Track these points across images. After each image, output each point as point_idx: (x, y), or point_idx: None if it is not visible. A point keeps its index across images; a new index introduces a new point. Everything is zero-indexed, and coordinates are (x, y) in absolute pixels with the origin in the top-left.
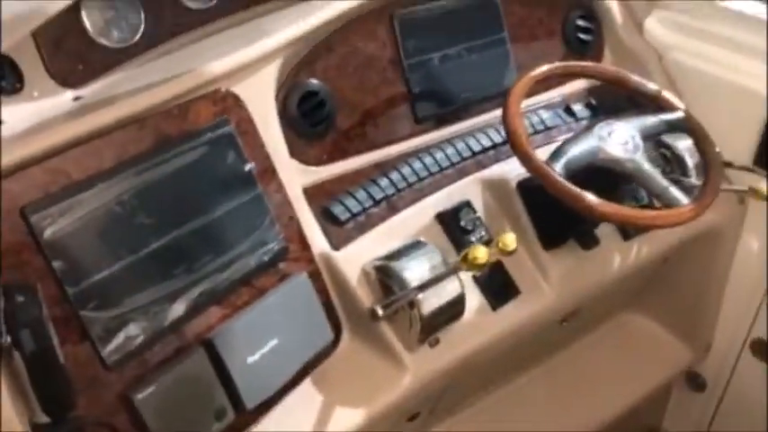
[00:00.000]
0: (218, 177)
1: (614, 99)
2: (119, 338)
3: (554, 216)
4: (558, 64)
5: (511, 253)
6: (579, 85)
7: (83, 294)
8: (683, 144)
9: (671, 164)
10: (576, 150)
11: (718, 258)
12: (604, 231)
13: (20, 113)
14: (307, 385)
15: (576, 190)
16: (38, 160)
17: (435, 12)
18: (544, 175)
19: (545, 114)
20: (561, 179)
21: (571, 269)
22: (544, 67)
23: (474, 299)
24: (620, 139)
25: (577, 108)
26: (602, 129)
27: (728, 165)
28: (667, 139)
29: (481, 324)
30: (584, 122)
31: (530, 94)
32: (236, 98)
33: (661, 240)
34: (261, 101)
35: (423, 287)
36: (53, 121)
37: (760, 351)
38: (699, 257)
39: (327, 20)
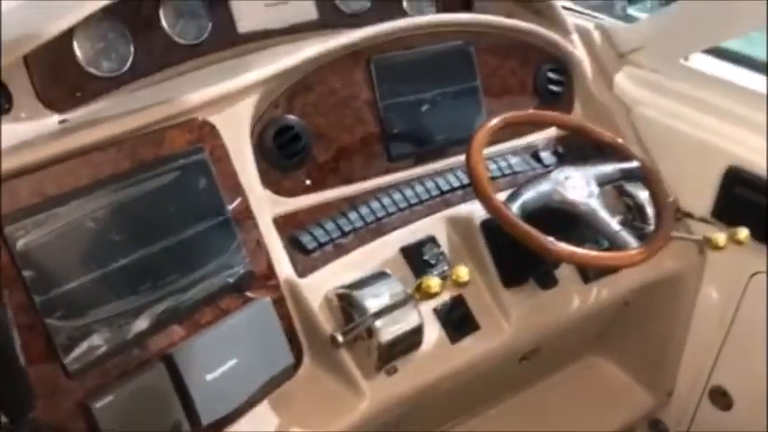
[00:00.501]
0: (188, 201)
1: (581, 148)
2: (81, 348)
3: (515, 256)
4: (520, 112)
5: (463, 285)
6: (548, 133)
7: (49, 303)
8: (644, 193)
9: (632, 212)
10: (533, 193)
11: (678, 306)
12: (564, 273)
13: (6, 133)
14: (265, 406)
15: (529, 228)
16: (17, 175)
17: (411, 57)
18: (500, 214)
19: (513, 160)
20: (515, 218)
21: (530, 308)
22: (507, 115)
23: (434, 331)
24: (575, 184)
25: (544, 155)
26: (559, 174)
27: (688, 215)
28: (629, 188)
29: (439, 356)
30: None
31: (499, 140)
32: (212, 127)
33: (620, 284)
34: (236, 131)
35: (379, 314)
36: (35, 140)
37: (718, 399)
38: (660, 304)
39: (306, 60)
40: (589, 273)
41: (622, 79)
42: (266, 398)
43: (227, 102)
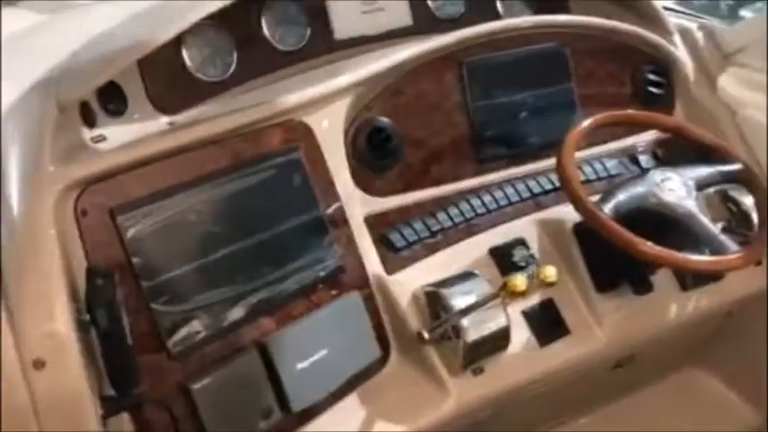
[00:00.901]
0: (283, 197)
1: (682, 151)
2: (183, 332)
3: (608, 259)
4: (612, 113)
5: (550, 285)
6: (647, 136)
7: (155, 289)
8: (750, 199)
9: (735, 217)
10: (627, 194)
11: None
12: (661, 279)
13: (121, 132)
14: (352, 399)
15: (621, 229)
16: (127, 169)
17: (503, 60)
18: (591, 215)
19: (609, 163)
20: (607, 218)
21: (624, 314)
22: (598, 116)
23: (522, 334)
24: (672, 186)
25: (643, 158)
26: (656, 175)
27: None
28: (734, 193)
29: (527, 359)
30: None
31: (596, 143)
32: (307, 128)
33: (723, 293)
34: (330, 132)
35: (465, 312)
36: (144, 138)
37: None
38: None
39: (398, 63)
40: (688, 280)
41: (727, 80)
42: (354, 391)
43: (321, 103)
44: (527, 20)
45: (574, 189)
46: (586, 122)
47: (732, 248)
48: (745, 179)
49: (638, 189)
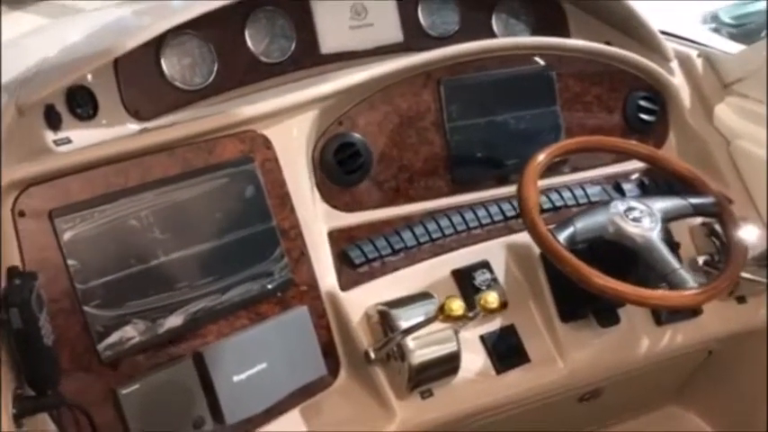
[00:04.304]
0: (233, 208)
1: (667, 180)
2: (115, 337)
3: (575, 288)
4: (579, 139)
5: (492, 311)
6: (634, 163)
7: (89, 292)
8: None
9: (719, 252)
10: (586, 222)
11: None
12: (634, 312)
13: (88, 136)
14: (295, 414)
15: (572, 257)
16: (72, 172)
17: (484, 80)
18: (544, 241)
19: (591, 189)
20: (559, 246)
21: (589, 345)
22: (562, 143)
23: (477, 359)
24: (636, 216)
25: (627, 186)
26: (620, 204)
27: None
28: (719, 227)
29: (481, 386)
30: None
31: (580, 168)
32: (266, 140)
33: (702, 331)
34: (290, 145)
35: (407, 332)
36: (93, 143)
37: None
38: (750, 355)
39: (370, 79)
40: (663, 314)
41: (724, 110)
42: (297, 406)
43: (282, 116)
44: (509, 41)
45: (528, 212)
46: (551, 147)
47: (690, 284)
48: (717, 212)
49: (596, 218)
